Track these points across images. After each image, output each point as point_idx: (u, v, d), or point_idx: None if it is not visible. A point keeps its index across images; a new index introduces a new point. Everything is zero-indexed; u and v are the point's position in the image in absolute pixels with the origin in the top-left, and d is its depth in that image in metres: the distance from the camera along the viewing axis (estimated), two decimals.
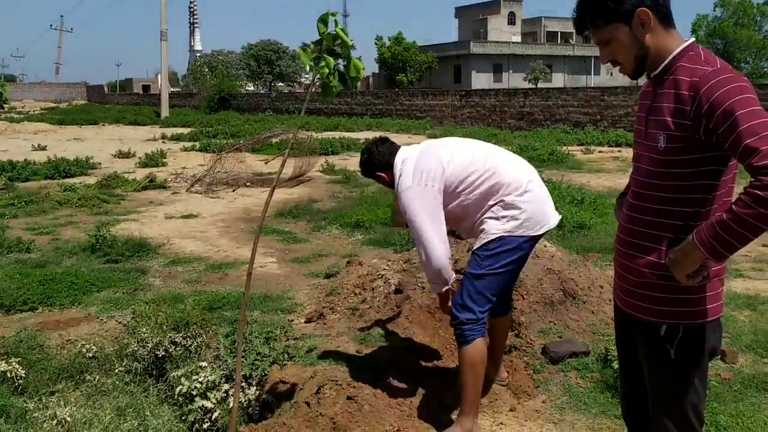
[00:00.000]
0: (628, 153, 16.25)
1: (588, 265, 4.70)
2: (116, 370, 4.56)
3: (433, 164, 3.11)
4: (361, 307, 4.64)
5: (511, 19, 68.37)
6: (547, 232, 3.21)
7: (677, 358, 1.95)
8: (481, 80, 56.12)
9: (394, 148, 3.32)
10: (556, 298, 4.17)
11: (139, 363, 4.54)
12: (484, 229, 3.09)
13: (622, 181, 11.77)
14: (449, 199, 3.14)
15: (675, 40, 1.91)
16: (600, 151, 17.03)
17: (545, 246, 4.55)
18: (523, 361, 3.73)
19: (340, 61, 2.68)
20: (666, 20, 1.90)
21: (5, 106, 11.48)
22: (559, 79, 60.88)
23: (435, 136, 22.56)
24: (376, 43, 57.32)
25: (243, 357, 4.01)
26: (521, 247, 3.07)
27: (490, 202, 3.09)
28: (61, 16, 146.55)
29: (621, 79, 66.31)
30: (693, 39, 1.91)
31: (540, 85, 49.03)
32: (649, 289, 1.97)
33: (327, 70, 2.57)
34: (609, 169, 13.22)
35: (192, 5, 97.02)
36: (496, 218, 3.06)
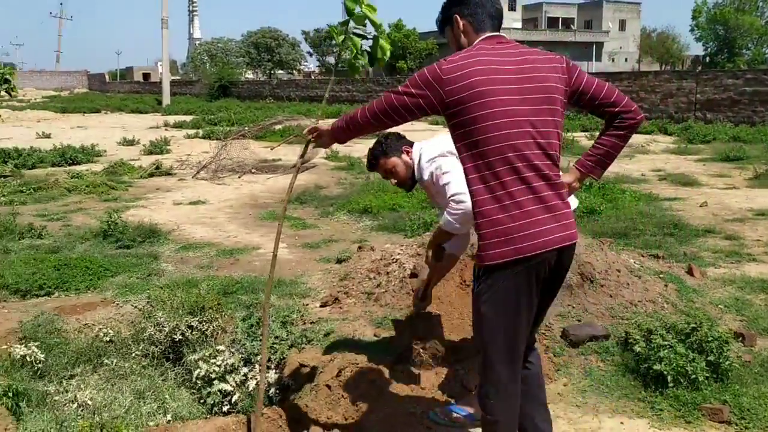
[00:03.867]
0: (634, 138, 16.07)
1: (605, 249, 4.69)
2: (133, 354, 4.57)
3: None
4: (376, 291, 4.64)
5: (512, 5, 68.04)
6: None
7: None
8: None
9: (406, 139, 3.41)
10: (574, 282, 4.17)
11: (155, 347, 4.55)
12: None
13: (629, 166, 11.77)
14: None
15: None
16: None
17: None
18: (543, 344, 3.74)
19: (365, 41, 2.70)
20: (479, 26, 2.38)
21: (12, 93, 11.42)
22: None
23: (437, 123, 22.46)
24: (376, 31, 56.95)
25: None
26: None
27: None
28: (61, 3, 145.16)
29: (623, 65, 66.21)
30: (487, 36, 2.35)
31: None
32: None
33: (355, 50, 2.57)
34: None
35: None
36: None
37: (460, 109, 2.22)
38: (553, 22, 70.14)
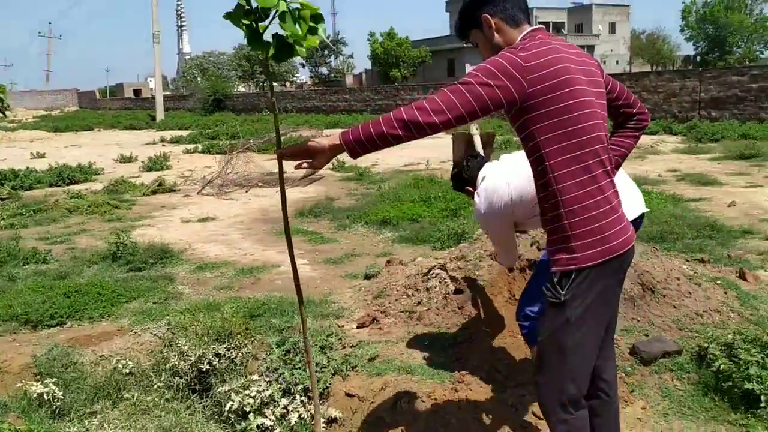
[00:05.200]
0: (640, 139, 15.92)
1: (659, 256, 4.39)
2: (155, 386, 4.24)
3: (504, 192, 3.01)
4: (418, 309, 4.32)
5: None
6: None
7: None
8: None
9: (482, 163, 3.24)
10: (636, 293, 3.86)
11: (180, 378, 4.21)
12: None
13: (643, 167, 11.51)
14: (524, 211, 3.01)
15: (521, 33, 2.16)
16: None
17: None
18: None
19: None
20: (513, 20, 2.18)
21: (7, 113, 11.08)
22: None
23: None
24: (368, 40, 56.87)
25: (302, 369, 3.70)
26: None
27: None
28: (49, 23, 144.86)
29: (614, 67, 66.27)
30: (535, 27, 2.15)
31: None
32: None
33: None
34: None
35: (179, 7, 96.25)
36: None
37: (545, 99, 2.00)
38: (544, 27, 70.17)
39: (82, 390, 4.05)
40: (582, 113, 2.04)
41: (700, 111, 18.44)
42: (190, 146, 19.34)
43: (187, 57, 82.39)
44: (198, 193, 10.73)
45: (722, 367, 3.17)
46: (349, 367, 3.71)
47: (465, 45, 2.36)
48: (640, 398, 3.25)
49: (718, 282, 4.48)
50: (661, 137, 16.56)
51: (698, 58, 59.16)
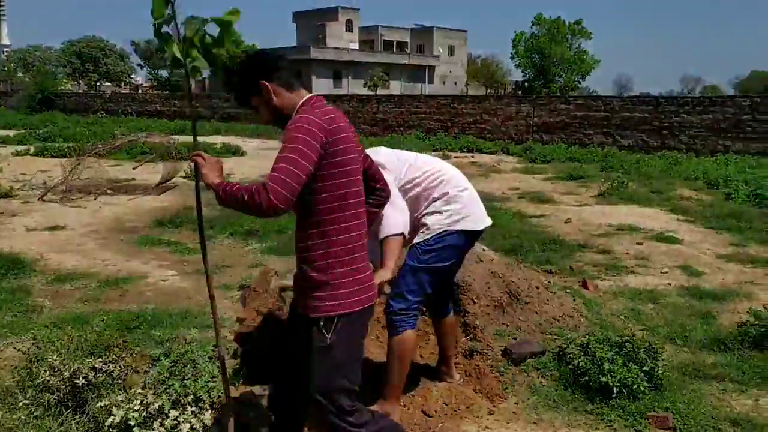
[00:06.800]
0: (481, 158, 17.16)
1: (522, 267, 4.88)
2: (20, 403, 4.00)
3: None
4: None
5: (349, 27, 69.50)
6: (483, 230, 3.43)
7: None
8: (321, 85, 56.39)
9: None
10: (504, 301, 4.29)
11: (51, 394, 4.01)
12: (426, 224, 3.28)
13: (490, 185, 12.39)
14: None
15: (300, 96, 2.43)
16: (456, 157, 17.79)
17: (484, 250, 4.66)
18: (487, 364, 3.79)
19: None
20: (288, 85, 2.43)
21: None
22: (396, 87, 62.88)
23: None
24: None
25: (194, 379, 3.70)
26: (459, 243, 3.29)
27: (434, 195, 3.29)
28: None
29: (452, 88, 70.16)
30: (312, 94, 2.44)
31: (379, 92, 50.21)
32: None
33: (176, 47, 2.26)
34: (472, 174, 13.83)
35: None
36: (438, 212, 3.27)
37: (336, 161, 2.30)
38: (388, 45, 72.58)
39: None
40: (356, 177, 2.41)
41: (533, 134, 20.17)
42: (21, 148, 17.80)
43: (6, 49, 75.48)
44: (39, 199, 9.99)
45: (581, 364, 3.64)
46: (242, 376, 3.76)
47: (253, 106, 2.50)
48: (513, 394, 3.64)
49: (567, 291, 5.07)
50: (500, 157, 17.90)
51: (526, 84, 64.19)
